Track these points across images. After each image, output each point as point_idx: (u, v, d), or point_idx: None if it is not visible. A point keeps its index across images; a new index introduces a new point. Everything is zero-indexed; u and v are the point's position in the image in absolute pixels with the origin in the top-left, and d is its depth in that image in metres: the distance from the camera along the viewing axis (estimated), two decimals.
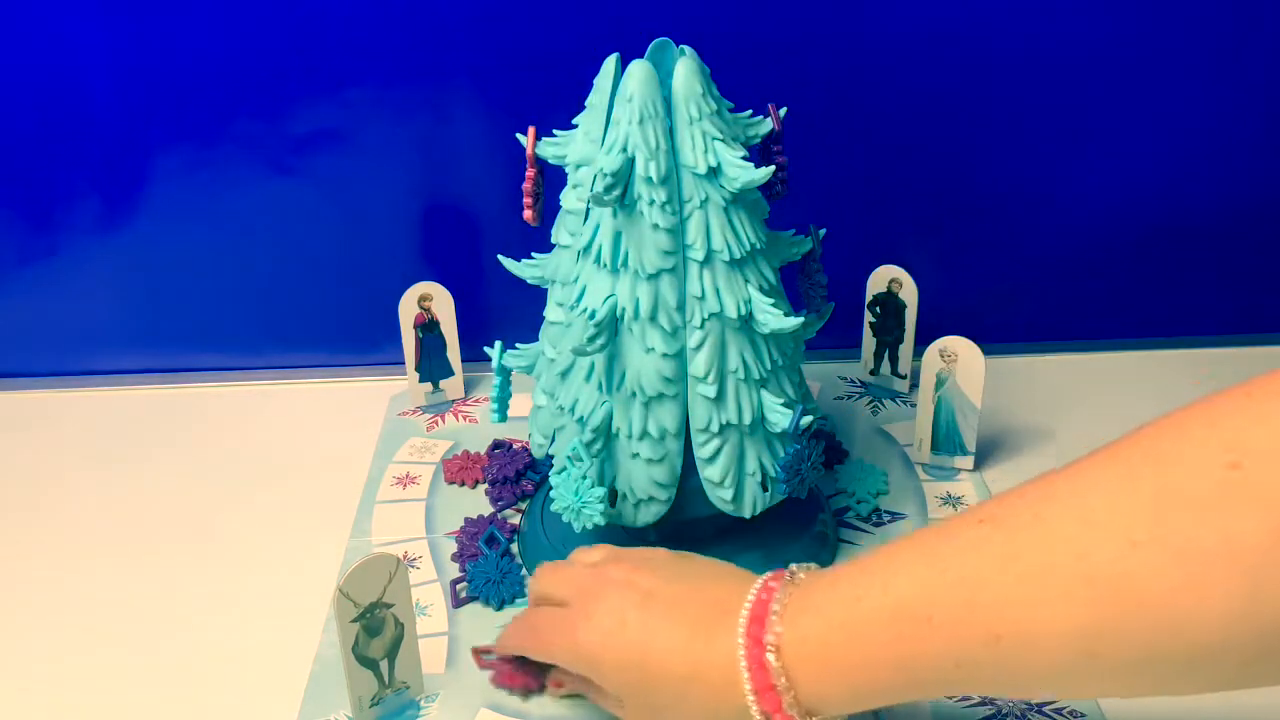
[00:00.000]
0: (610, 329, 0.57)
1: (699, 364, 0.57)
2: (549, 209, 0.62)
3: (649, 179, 0.54)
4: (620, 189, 0.54)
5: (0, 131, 0.81)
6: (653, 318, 0.56)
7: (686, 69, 0.55)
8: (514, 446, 0.77)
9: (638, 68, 0.54)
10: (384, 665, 0.55)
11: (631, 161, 0.54)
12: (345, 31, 0.79)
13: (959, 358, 0.71)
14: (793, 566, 0.49)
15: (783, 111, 0.60)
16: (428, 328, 0.81)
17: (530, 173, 0.61)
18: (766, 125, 0.59)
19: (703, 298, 0.56)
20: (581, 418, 0.59)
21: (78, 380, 0.88)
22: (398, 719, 0.56)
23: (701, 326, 0.57)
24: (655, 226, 0.55)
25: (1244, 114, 0.85)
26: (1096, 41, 0.81)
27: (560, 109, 0.61)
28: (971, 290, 0.90)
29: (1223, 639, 0.36)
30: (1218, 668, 0.38)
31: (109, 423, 0.83)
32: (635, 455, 0.59)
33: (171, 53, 0.79)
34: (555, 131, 0.61)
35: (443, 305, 0.81)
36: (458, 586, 0.65)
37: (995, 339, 0.75)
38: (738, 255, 0.56)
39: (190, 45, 0.79)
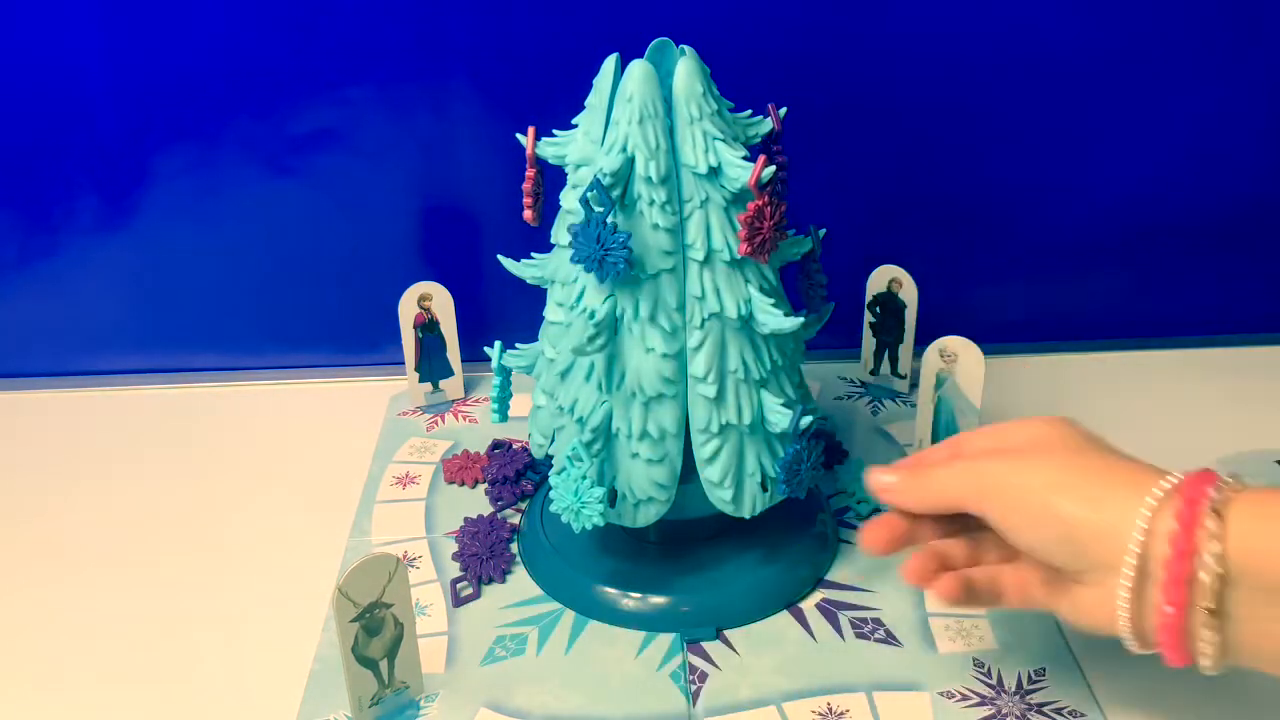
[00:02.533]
0: (610, 329, 0.56)
1: (699, 364, 0.57)
2: (549, 209, 0.62)
3: (649, 179, 0.54)
4: (620, 189, 0.54)
5: (0, 131, 0.81)
6: (652, 318, 0.56)
7: (687, 69, 0.55)
8: (514, 446, 0.77)
9: (637, 68, 0.54)
10: (384, 665, 0.55)
11: (631, 161, 0.54)
12: (345, 31, 0.79)
13: (959, 358, 0.71)
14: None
15: (783, 111, 0.60)
16: (428, 328, 0.81)
17: (530, 173, 0.61)
18: (766, 125, 0.59)
19: (703, 298, 0.56)
20: (581, 418, 0.59)
21: (78, 380, 0.88)
22: (397, 719, 0.56)
23: (701, 326, 0.57)
24: (655, 226, 0.55)
25: (1244, 114, 0.85)
26: (1096, 42, 0.81)
27: (560, 109, 0.61)
28: (971, 290, 0.90)
29: None
30: None
31: (109, 423, 0.83)
32: (635, 455, 0.59)
33: (171, 53, 0.79)
34: (555, 131, 0.61)
35: (443, 305, 0.81)
36: (458, 586, 0.65)
37: (995, 339, 0.75)
38: (738, 255, 0.56)
39: (190, 45, 0.79)
